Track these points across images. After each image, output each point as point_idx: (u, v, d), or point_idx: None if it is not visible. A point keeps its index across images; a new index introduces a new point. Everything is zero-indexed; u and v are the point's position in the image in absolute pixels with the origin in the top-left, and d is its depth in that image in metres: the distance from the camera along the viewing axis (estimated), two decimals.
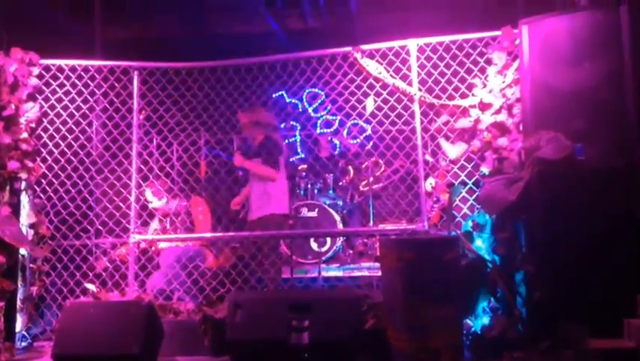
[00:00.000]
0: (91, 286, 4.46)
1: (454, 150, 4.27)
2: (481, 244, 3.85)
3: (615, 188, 3.36)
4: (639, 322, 3.02)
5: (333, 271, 6.50)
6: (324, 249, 6.83)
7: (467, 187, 4.22)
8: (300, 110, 7.74)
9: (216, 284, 4.56)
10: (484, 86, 4.19)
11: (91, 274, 4.62)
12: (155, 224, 5.22)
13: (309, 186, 7.26)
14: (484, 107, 4.15)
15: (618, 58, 3.55)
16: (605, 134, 3.56)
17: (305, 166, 7.47)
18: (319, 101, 7.50)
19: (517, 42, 3.99)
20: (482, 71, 4.22)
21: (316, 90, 7.15)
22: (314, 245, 6.85)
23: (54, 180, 4.62)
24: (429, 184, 4.46)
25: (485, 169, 4.09)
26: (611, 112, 3.57)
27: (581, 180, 3.44)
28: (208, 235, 5.12)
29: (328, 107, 7.07)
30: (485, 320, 3.76)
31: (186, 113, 4.92)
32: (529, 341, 3.36)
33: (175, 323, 4.07)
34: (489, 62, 4.20)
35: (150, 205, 5.16)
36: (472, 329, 3.77)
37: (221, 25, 7.61)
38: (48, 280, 4.54)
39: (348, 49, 4.49)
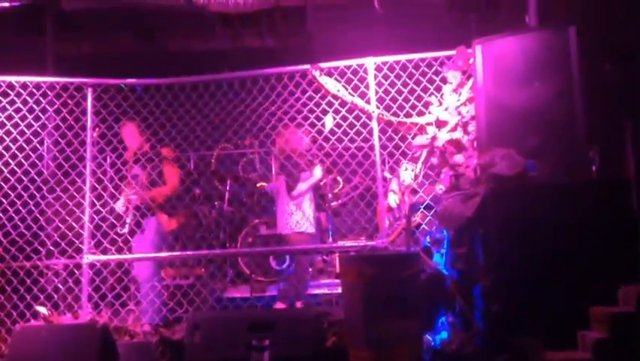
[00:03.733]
0: (42, 309, 4.31)
1: (407, 175, 4.39)
2: (439, 260, 3.90)
3: (566, 202, 3.46)
4: (592, 334, 3.09)
5: None
6: (283, 266, 6.79)
7: (425, 204, 4.29)
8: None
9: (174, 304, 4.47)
10: (440, 104, 4.28)
11: (42, 297, 4.45)
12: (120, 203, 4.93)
13: (268, 203, 7.21)
14: (440, 124, 4.23)
15: (567, 77, 3.68)
16: (556, 151, 3.68)
17: (264, 184, 7.42)
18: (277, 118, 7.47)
19: (471, 61, 4.09)
20: (438, 89, 4.31)
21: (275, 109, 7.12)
22: (273, 263, 6.81)
23: (3, 200, 4.48)
24: (393, 200, 4.51)
25: (442, 186, 4.17)
26: (561, 129, 3.70)
27: (533, 195, 3.52)
28: (164, 254, 4.93)
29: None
30: (444, 334, 3.79)
31: (142, 130, 4.85)
32: (488, 354, 3.40)
33: (131, 346, 3.95)
34: (444, 80, 4.30)
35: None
36: (432, 344, 3.79)
37: (176, 43, 7.54)
38: None
39: (306, 67, 4.52)
